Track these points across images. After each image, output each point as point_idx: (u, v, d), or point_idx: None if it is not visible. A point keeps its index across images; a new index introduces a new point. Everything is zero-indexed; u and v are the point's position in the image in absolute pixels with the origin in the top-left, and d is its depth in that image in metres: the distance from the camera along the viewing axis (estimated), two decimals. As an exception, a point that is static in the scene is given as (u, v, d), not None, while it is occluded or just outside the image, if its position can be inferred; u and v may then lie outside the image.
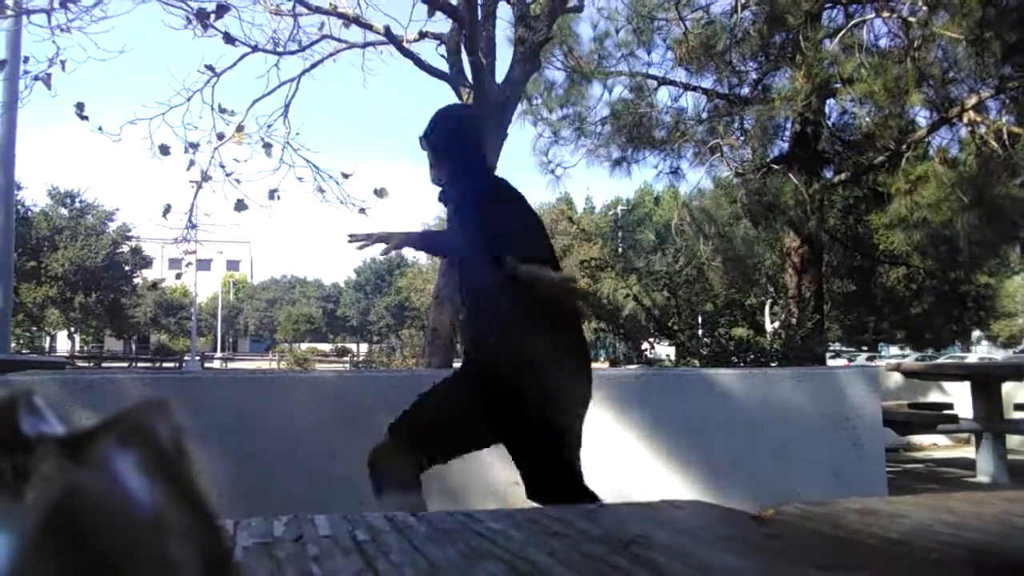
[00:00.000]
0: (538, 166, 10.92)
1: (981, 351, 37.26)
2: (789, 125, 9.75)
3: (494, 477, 2.98)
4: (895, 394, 6.02)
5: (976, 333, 32.37)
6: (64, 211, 35.51)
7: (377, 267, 53.10)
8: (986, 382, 5.01)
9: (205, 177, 7.45)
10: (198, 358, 35.71)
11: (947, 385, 6.42)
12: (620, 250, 27.31)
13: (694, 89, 10.23)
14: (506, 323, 2.08)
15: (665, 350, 10.04)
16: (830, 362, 10.96)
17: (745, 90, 10.00)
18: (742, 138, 10.01)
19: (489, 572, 0.45)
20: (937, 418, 5.04)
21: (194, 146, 7.36)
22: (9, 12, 6.65)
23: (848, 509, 0.58)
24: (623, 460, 3.35)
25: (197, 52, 8.40)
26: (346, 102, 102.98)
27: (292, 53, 7.58)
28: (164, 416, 0.23)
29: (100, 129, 7.07)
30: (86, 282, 34.03)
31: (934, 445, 6.68)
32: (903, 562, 0.49)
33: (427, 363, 6.34)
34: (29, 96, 6.97)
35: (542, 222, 2.33)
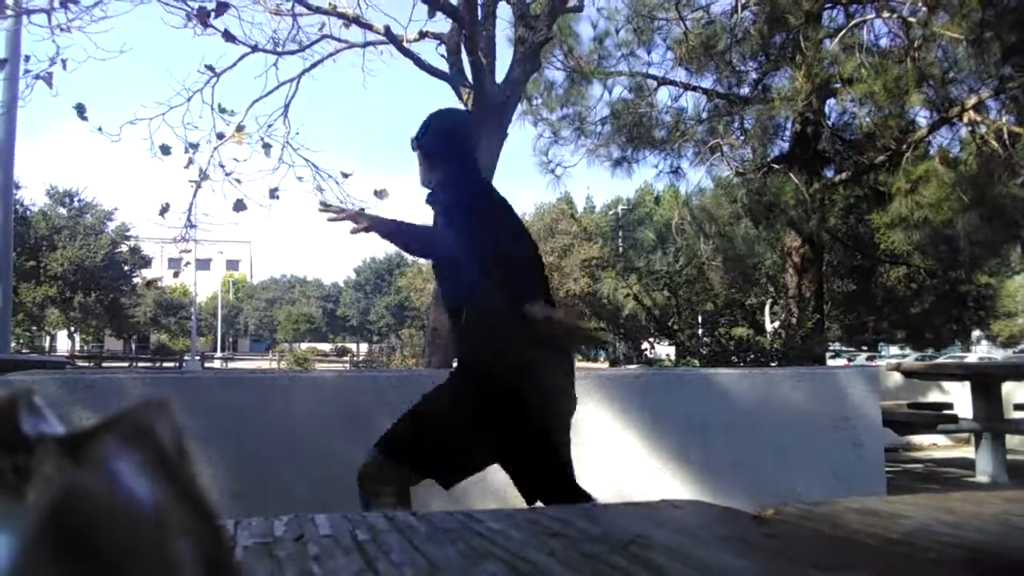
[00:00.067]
0: (538, 166, 10.93)
1: (981, 351, 37.23)
2: (789, 125, 9.75)
3: (494, 477, 2.98)
4: (895, 394, 6.02)
5: (976, 333, 32.37)
6: (63, 210, 35.50)
7: (377, 267, 53.10)
8: (986, 382, 5.01)
9: (204, 176, 7.44)
10: (198, 358, 35.72)
11: (947, 385, 6.42)
12: (620, 250, 27.31)
13: (694, 89, 10.23)
14: (497, 329, 2.06)
15: (665, 350, 10.04)
16: (830, 362, 10.96)
17: (745, 90, 10.01)
18: (742, 138, 10.02)
19: (489, 572, 0.45)
20: (937, 418, 5.04)
21: (194, 146, 7.36)
22: (9, 12, 6.65)
23: (848, 509, 0.58)
24: (623, 460, 3.35)
25: (197, 52, 8.40)
26: (346, 102, 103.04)
27: (292, 53, 7.59)
28: (165, 416, 0.23)
29: (100, 130, 7.07)
30: (85, 282, 34.02)
31: (933, 445, 6.69)
32: (903, 562, 0.49)
33: (427, 363, 6.34)
34: (30, 95, 6.98)
35: (529, 232, 2.31)
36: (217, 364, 37.35)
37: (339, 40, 7.63)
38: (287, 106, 7.78)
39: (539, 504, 2.13)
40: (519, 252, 2.12)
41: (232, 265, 60.48)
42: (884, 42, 9.20)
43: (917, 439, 6.36)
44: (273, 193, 7.52)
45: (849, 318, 18.43)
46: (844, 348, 24.32)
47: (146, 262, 38.20)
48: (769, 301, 9.65)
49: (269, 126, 7.58)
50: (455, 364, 2.34)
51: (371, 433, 2.12)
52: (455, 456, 2.09)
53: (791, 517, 0.59)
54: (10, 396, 0.24)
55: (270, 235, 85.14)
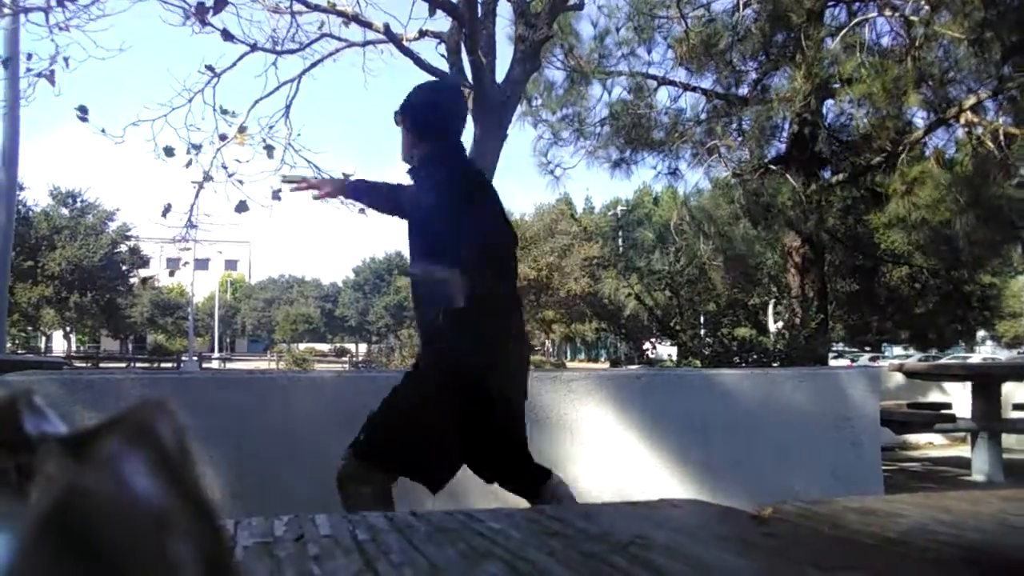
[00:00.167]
0: (538, 167, 10.94)
1: (986, 351, 37.12)
2: (787, 126, 9.76)
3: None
4: (896, 394, 6.03)
5: (981, 333, 32.29)
6: (65, 211, 35.44)
7: (376, 267, 53.09)
8: (987, 382, 5.01)
9: (207, 177, 7.44)
10: (196, 358, 35.65)
11: (948, 385, 6.43)
12: (621, 250, 27.29)
13: (693, 89, 10.23)
14: (456, 309, 2.00)
15: (667, 350, 10.03)
16: (832, 363, 10.96)
17: (744, 90, 10.01)
18: (740, 139, 10.02)
19: (489, 572, 0.45)
20: (934, 417, 5.05)
21: (197, 147, 7.35)
22: (7, 10, 6.64)
23: (846, 508, 0.58)
24: (623, 460, 3.35)
25: (197, 51, 8.41)
26: (347, 103, 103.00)
27: (291, 52, 7.57)
28: (167, 416, 0.23)
29: (103, 131, 7.06)
30: (82, 281, 33.93)
31: (930, 444, 6.70)
32: (900, 561, 0.49)
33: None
34: (33, 93, 6.97)
35: (506, 214, 2.28)
36: (215, 364, 37.27)
37: (339, 39, 7.63)
38: (288, 107, 7.78)
39: (508, 482, 2.15)
40: (486, 232, 2.08)
41: (230, 265, 60.45)
42: (885, 41, 9.22)
43: (913, 438, 6.37)
44: (276, 194, 7.51)
45: (852, 318, 18.40)
46: (847, 349, 24.26)
47: (144, 262, 38.17)
48: (772, 301, 9.63)
49: (271, 127, 7.59)
50: (419, 350, 2.30)
51: (371, 433, 2.12)
52: (436, 457, 2.06)
53: (790, 516, 0.59)
54: (11, 396, 0.24)
55: (269, 235, 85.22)
